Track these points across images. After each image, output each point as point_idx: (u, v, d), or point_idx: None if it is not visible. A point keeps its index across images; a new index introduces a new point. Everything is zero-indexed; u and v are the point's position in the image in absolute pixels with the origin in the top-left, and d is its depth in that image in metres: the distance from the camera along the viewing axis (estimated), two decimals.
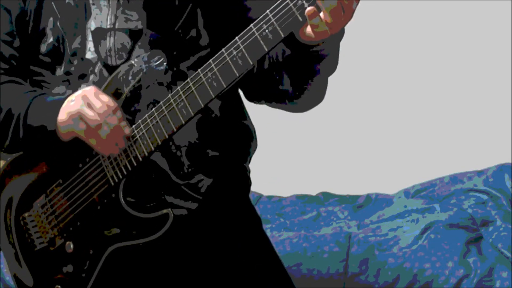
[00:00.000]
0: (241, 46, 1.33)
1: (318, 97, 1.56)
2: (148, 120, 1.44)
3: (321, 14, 1.29)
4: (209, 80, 1.34)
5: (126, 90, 1.48)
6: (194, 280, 1.60)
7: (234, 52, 1.34)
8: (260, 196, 3.40)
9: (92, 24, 1.54)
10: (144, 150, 1.45)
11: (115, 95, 1.49)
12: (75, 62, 1.54)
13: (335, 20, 1.29)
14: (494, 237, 2.87)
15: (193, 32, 1.52)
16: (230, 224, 1.62)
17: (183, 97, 1.38)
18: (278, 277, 1.67)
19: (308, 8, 1.28)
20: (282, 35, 1.31)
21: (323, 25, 1.30)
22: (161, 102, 1.42)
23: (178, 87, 1.39)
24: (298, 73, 1.47)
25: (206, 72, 1.35)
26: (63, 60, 1.56)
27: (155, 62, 1.47)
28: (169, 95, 1.41)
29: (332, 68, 1.49)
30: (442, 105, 3.62)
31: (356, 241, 2.89)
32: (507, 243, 2.80)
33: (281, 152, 3.55)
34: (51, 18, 1.57)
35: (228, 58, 1.34)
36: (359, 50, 3.52)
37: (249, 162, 1.68)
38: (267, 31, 1.30)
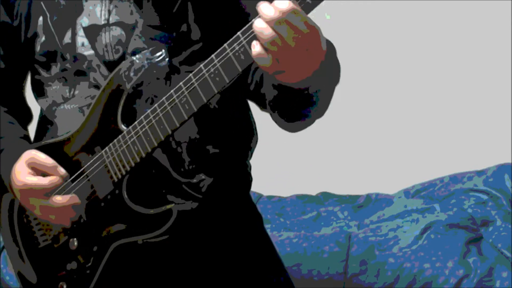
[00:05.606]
0: (244, 42, 1.33)
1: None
2: (151, 116, 1.43)
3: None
4: (212, 76, 1.33)
5: (128, 87, 1.48)
6: (195, 278, 1.59)
7: (237, 48, 1.33)
8: (260, 196, 3.40)
9: (84, 20, 1.54)
10: (147, 146, 1.44)
11: (117, 91, 1.49)
12: (69, 58, 1.54)
13: (280, 49, 1.25)
14: (494, 237, 2.87)
15: (183, 27, 1.51)
16: (231, 222, 1.62)
17: (186, 92, 1.38)
18: (278, 276, 1.66)
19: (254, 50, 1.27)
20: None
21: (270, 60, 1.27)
22: (163, 98, 1.41)
23: (181, 83, 1.38)
24: (288, 113, 1.47)
25: (209, 68, 1.35)
26: (57, 58, 1.56)
27: (157, 58, 1.47)
28: (172, 91, 1.40)
29: (322, 109, 1.47)
30: (442, 105, 3.63)
31: (356, 241, 2.89)
32: (507, 243, 2.81)
33: (281, 152, 3.55)
34: (41, 18, 1.57)
35: (230, 54, 1.34)
36: (359, 50, 3.52)
37: (251, 157, 1.68)
38: None
